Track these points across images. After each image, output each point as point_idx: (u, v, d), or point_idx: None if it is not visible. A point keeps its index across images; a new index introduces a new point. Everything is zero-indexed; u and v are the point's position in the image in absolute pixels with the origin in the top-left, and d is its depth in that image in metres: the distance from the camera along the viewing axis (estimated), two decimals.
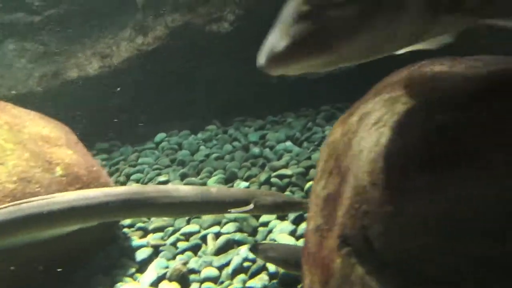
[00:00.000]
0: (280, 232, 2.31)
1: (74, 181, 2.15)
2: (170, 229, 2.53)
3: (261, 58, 0.87)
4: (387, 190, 1.16)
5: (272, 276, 2.07)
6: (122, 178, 3.26)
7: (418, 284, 1.02)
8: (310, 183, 2.63)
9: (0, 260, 1.89)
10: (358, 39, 0.84)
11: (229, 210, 1.92)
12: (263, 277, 2.06)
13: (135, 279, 2.22)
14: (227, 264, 2.16)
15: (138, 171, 3.30)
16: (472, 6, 0.89)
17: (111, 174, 3.38)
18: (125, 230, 2.61)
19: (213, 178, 3.04)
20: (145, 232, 2.58)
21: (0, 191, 1.92)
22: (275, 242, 2.23)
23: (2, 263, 1.90)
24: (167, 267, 2.23)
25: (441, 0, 0.88)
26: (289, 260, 1.86)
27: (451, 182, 1.05)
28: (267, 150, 3.32)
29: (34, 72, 4.20)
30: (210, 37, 3.96)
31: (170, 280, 2.13)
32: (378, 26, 0.83)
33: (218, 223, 2.49)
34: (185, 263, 2.18)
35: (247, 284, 2.07)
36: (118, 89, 4.11)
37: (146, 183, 3.14)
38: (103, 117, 3.94)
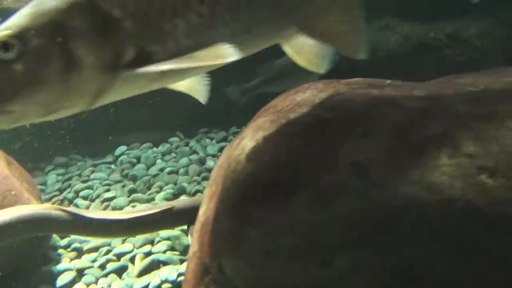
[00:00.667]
0: None
1: None
2: (105, 249, 2.44)
3: None
4: (234, 219, 1.10)
5: None
6: (71, 195, 3.18)
7: None
8: None
9: None
10: (31, 95, 0.83)
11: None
12: None
13: None
14: (147, 286, 2.06)
15: (88, 187, 3.22)
16: (161, 58, 0.89)
17: (63, 190, 3.31)
18: (61, 251, 2.53)
19: (162, 194, 2.95)
20: (80, 252, 2.49)
21: None
22: None
23: None
24: None
25: (123, 55, 0.86)
26: None
27: (288, 210, 1.00)
28: None
29: None
30: None
31: None
32: (50, 84, 0.83)
33: (151, 242, 2.40)
34: None
35: None
36: None
37: (93, 200, 3.06)
38: (64, 130, 3.87)
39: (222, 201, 1.16)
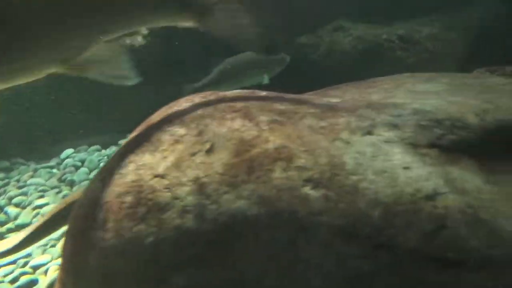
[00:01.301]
0: None
1: None
2: (23, 261, 2.32)
3: None
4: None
5: None
6: (4, 202, 3.04)
7: None
8: None
9: None
10: None
11: None
12: None
13: None
14: None
15: (22, 193, 3.08)
16: None
17: None
18: None
19: None
20: None
21: None
22: None
23: None
24: None
25: None
26: None
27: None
28: None
29: None
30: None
31: None
32: None
33: None
34: None
35: None
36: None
37: (25, 207, 2.92)
38: (9, 133, 3.73)
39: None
